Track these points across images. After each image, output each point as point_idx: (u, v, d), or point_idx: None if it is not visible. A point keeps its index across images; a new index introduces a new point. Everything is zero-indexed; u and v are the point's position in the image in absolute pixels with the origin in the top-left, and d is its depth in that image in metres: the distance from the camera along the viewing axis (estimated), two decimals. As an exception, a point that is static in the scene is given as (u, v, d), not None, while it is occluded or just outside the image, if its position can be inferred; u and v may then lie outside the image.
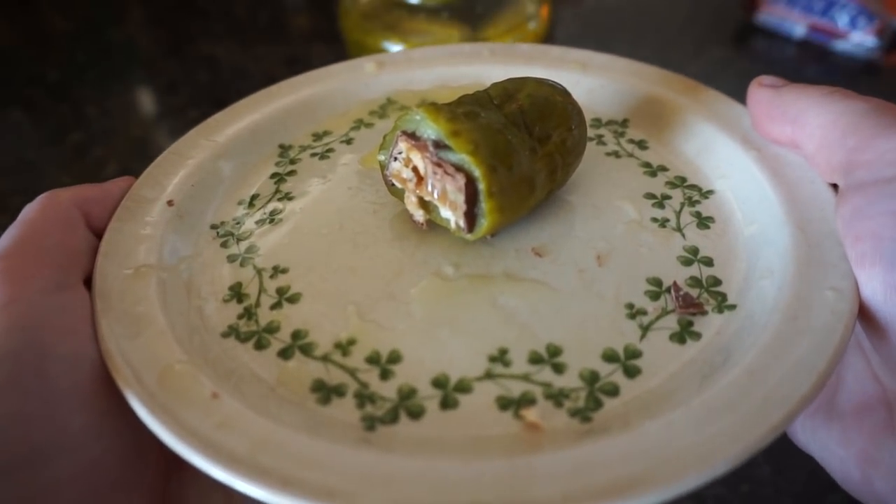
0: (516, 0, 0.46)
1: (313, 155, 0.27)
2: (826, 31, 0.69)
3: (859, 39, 0.68)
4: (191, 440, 0.16)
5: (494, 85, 0.23)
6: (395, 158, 0.21)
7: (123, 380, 0.18)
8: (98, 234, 0.22)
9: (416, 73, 0.29)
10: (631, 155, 0.25)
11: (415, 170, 0.21)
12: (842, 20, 0.68)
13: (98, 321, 0.19)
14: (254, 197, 0.25)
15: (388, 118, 0.28)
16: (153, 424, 0.17)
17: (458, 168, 0.20)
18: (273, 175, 0.26)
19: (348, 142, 0.27)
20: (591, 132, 0.26)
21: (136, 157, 0.58)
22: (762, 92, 0.22)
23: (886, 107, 0.18)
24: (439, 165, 0.20)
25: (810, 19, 0.70)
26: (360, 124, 0.28)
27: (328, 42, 0.73)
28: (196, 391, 0.17)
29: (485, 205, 0.20)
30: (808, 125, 0.20)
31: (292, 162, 0.26)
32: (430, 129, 0.20)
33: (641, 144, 0.26)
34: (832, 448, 0.19)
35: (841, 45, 0.69)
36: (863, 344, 0.19)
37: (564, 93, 0.23)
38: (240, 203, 0.25)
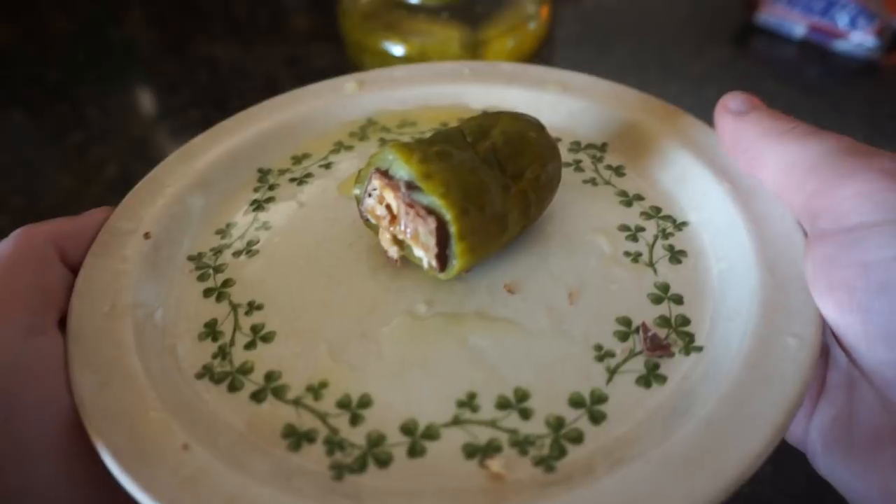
0: (516, 0, 0.46)
1: (292, 180, 0.26)
2: (826, 31, 0.69)
3: (859, 39, 0.68)
4: (159, 496, 0.16)
5: (468, 120, 0.23)
6: (370, 195, 0.21)
7: (94, 430, 0.17)
8: (74, 270, 0.22)
9: (397, 92, 0.29)
10: (608, 182, 0.25)
11: (388, 207, 0.21)
12: (842, 20, 0.68)
13: (70, 367, 0.19)
14: (232, 226, 0.25)
15: (368, 140, 0.28)
16: (122, 478, 0.17)
17: (430, 210, 0.19)
18: (252, 202, 0.26)
19: (327, 166, 0.27)
20: (569, 157, 0.26)
21: (136, 157, 0.58)
22: (726, 121, 0.21)
23: (845, 149, 0.18)
24: (411, 206, 0.20)
25: (810, 19, 0.70)
26: (339, 147, 0.28)
27: (328, 42, 0.73)
28: (167, 442, 0.17)
29: (456, 247, 0.20)
30: (768, 167, 0.19)
31: (271, 188, 0.26)
32: (403, 170, 0.20)
33: (619, 171, 0.26)
34: (853, 484, 0.19)
35: (841, 45, 0.69)
36: None
37: (538, 127, 0.23)
38: (217, 232, 0.24)
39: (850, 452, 0.19)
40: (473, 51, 0.44)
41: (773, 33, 0.72)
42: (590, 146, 0.27)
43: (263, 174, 0.27)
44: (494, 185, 0.20)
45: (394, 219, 0.21)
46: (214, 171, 0.26)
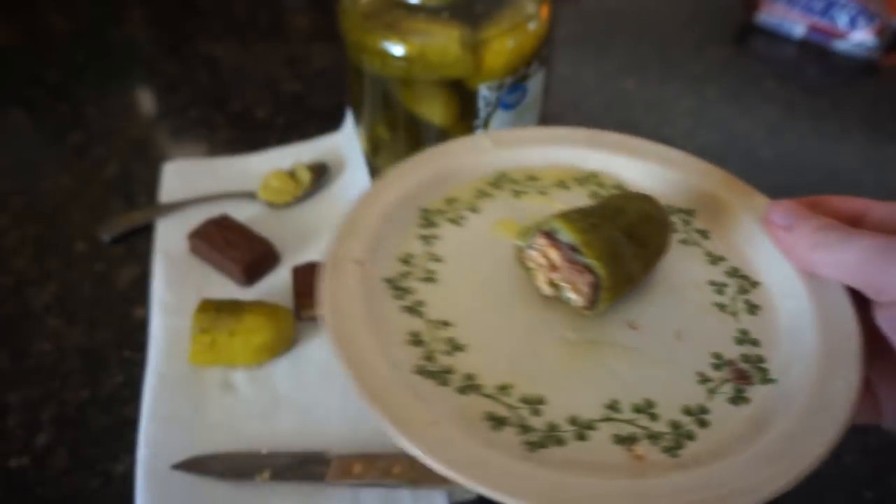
0: (516, 0, 0.46)
1: (450, 220, 0.33)
2: (826, 31, 0.69)
3: (859, 39, 0.68)
4: (425, 447, 0.22)
5: (612, 197, 0.30)
6: (533, 248, 0.28)
7: (376, 409, 0.23)
8: None
9: (524, 151, 0.36)
10: (696, 244, 0.32)
11: (548, 259, 0.27)
12: (842, 20, 0.68)
13: (343, 362, 0.25)
14: (411, 256, 0.31)
15: (502, 189, 0.35)
16: (401, 441, 0.22)
17: (586, 268, 0.27)
18: (421, 237, 0.32)
19: (474, 209, 0.33)
20: None
21: (136, 157, 0.58)
22: (777, 233, 0.28)
23: (874, 246, 0.23)
24: (572, 263, 0.27)
25: (810, 19, 0.70)
26: (481, 194, 0.34)
27: (328, 42, 0.73)
28: (421, 419, 0.24)
29: (602, 295, 0.27)
30: (824, 270, 0.26)
31: (433, 225, 0.32)
32: (567, 236, 0.27)
33: (704, 234, 0.32)
34: None
35: (841, 45, 0.69)
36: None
37: (657, 205, 0.30)
38: (400, 260, 0.30)
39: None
40: (473, 50, 0.44)
41: (773, 33, 0.72)
42: (680, 210, 0.33)
43: (424, 212, 0.33)
44: (628, 252, 0.28)
45: (552, 268, 0.27)
46: (393, 209, 0.32)
